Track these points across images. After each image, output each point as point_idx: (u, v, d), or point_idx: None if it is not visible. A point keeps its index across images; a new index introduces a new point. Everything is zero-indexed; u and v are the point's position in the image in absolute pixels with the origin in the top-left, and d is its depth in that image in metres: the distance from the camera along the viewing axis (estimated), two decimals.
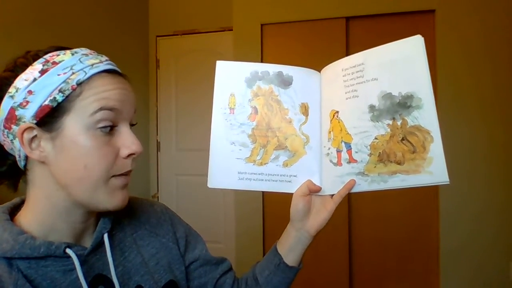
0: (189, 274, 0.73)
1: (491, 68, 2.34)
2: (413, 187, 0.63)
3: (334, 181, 0.70)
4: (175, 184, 3.36)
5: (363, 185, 0.67)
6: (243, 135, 0.72)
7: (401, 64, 0.65)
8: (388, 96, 0.65)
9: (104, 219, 0.61)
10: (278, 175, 0.72)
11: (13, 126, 0.53)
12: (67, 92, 0.52)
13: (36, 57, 0.54)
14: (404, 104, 0.64)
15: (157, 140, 3.43)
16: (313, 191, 0.71)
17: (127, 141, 0.56)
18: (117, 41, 2.96)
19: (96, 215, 0.62)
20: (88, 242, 0.60)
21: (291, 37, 2.68)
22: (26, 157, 0.55)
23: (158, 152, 3.43)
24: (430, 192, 2.43)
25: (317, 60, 2.59)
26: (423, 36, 0.65)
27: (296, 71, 0.74)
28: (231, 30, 2.84)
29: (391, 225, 2.52)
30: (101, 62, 0.56)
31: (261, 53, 2.70)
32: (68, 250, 0.54)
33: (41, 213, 0.56)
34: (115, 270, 0.59)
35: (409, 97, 0.64)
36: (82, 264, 0.55)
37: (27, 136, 0.53)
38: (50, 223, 0.56)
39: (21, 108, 0.52)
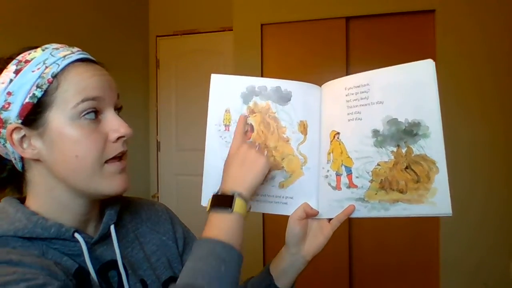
0: None
1: (491, 68, 2.33)
2: (415, 217, 0.61)
3: (332, 205, 0.68)
4: (175, 184, 3.36)
5: (363, 211, 0.65)
6: None
7: (409, 89, 0.62)
8: (393, 121, 0.62)
9: (110, 211, 0.62)
10: (273, 196, 0.69)
11: (1, 130, 0.54)
12: (44, 87, 0.53)
13: (9, 60, 0.55)
14: (410, 131, 0.61)
15: (157, 140, 3.43)
16: (310, 215, 0.69)
17: (114, 125, 0.56)
18: (117, 41, 2.95)
19: (99, 208, 0.62)
20: (92, 235, 0.60)
21: (291, 37, 2.68)
22: (22, 158, 0.57)
23: (158, 152, 3.43)
24: None
25: (317, 60, 2.60)
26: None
27: (295, 86, 0.70)
28: (231, 30, 2.84)
29: (391, 226, 2.51)
30: (73, 53, 0.56)
31: (261, 53, 2.70)
32: (77, 235, 0.55)
33: (44, 208, 0.57)
34: (122, 260, 0.60)
35: (416, 124, 0.61)
36: (89, 251, 0.56)
37: (16, 136, 0.54)
38: (54, 216, 0.56)
39: (4, 111, 0.53)
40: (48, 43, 0.58)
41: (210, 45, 3.25)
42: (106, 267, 0.58)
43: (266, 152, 0.64)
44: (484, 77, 2.34)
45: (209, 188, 0.69)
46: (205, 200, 0.69)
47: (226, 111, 0.69)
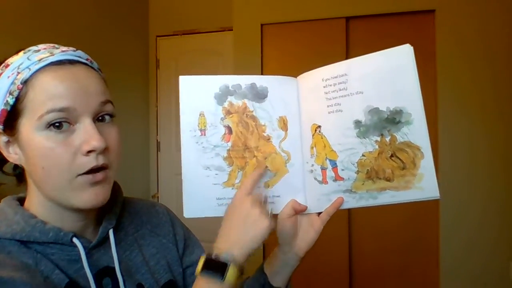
0: (185, 279, 0.71)
1: (490, 67, 2.33)
2: (404, 203, 0.61)
3: (320, 199, 0.67)
4: (175, 184, 3.35)
5: (351, 202, 0.65)
6: (218, 158, 0.66)
7: (388, 76, 0.61)
8: (375, 111, 0.62)
9: (109, 215, 0.61)
10: None
11: None
12: (15, 94, 0.51)
13: (2, 63, 0.55)
14: (393, 119, 0.60)
15: (157, 140, 3.43)
16: (298, 211, 0.67)
17: (85, 136, 0.51)
18: (117, 41, 2.96)
19: (97, 211, 0.61)
20: (90, 238, 0.59)
21: (291, 37, 2.68)
22: None
23: (158, 152, 3.43)
24: None
25: (317, 60, 2.57)
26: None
27: (270, 80, 0.68)
28: (231, 30, 2.84)
29: (391, 229, 2.50)
30: (52, 55, 0.52)
31: (261, 53, 2.70)
32: (75, 240, 0.54)
33: (41, 209, 0.56)
34: (119, 266, 0.59)
35: (398, 112, 0.60)
36: (86, 256, 0.55)
37: (1, 141, 0.54)
38: (51, 218, 0.56)
39: None
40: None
41: (210, 45, 3.25)
42: (103, 273, 0.57)
43: (270, 212, 0.61)
44: (483, 77, 2.34)
45: (191, 198, 0.67)
46: (188, 212, 0.67)
47: (200, 114, 0.66)
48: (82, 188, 0.53)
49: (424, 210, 2.45)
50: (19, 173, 0.60)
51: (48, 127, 0.50)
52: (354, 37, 2.58)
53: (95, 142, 0.51)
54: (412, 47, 0.60)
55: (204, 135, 0.66)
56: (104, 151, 0.53)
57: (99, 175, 0.53)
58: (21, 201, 0.59)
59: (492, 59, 2.33)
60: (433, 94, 2.42)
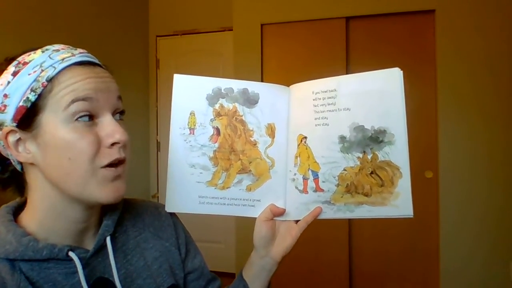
0: (186, 284, 0.71)
1: (490, 67, 2.33)
2: (378, 218, 0.64)
3: (299, 208, 0.68)
4: None
5: (329, 213, 0.67)
6: (204, 157, 0.68)
7: (376, 97, 0.63)
8: (360, 128, 0.64)
9: (107, 221, 0.60)
10: (241, 199, 0.69)
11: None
12: (38, 91, 0.51)
13: (12, 60, 0.54)
14: (376, 138, 0.63)
15: (157, 140, 3.44)
16: (276, 214, 0.68)
17: (109, 129, 0.54)
18: (117, 41, 2.96)
19: (99, 214, 0.61)
20: (89, 244, 0.59)
21: (291, 37, 2.68)
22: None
23: (158, 152, 3.43)
24: (431, 194, 2.42)
25: (317, 60, 2.60)
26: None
27: (263, 87, 0.70)
28: (231, 30, 2.84)
29: (391, 235, 2.50)
30: (73, 55, 0.54)
31: (261, 53, 2.70)
32: (71, 253, 0.54)
33: (41, 215, 0.56)
34: (118, 273, 0.58)
35: (382, 132, 0.63)
36: (84, 267, 0.55)
37: (11, 139, 0.53)
38: (50, 224, 0.55)
39: (0, 113, 0.52)
40: (48, 43, 0.57)
41: (210, 45, 3.25)
42: (101, 282, 0.57)
43: None
44: (483, 77, 2.34)
45: (174, 193, 0.68)
46: (169, 206, 0.68)
47: (191, 114, 0.68)
48: (104, 183, 0.54)
49: (424, 213, 2.44)
50: (5, 179, 0.59)
51: (75, 120, 0.52)
52: (354, 37, 2.58)
53: (119, 135, 0.54)
54: (401, 71, 0.62)
55: (193, 134, 0.68)
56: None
57: (119, 169, 0.55)
58: (20, 206, 0.59)
59: (492, 58, 2.33)
60: (433, 94, 2.42)
